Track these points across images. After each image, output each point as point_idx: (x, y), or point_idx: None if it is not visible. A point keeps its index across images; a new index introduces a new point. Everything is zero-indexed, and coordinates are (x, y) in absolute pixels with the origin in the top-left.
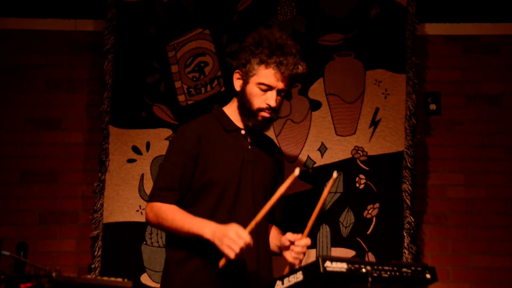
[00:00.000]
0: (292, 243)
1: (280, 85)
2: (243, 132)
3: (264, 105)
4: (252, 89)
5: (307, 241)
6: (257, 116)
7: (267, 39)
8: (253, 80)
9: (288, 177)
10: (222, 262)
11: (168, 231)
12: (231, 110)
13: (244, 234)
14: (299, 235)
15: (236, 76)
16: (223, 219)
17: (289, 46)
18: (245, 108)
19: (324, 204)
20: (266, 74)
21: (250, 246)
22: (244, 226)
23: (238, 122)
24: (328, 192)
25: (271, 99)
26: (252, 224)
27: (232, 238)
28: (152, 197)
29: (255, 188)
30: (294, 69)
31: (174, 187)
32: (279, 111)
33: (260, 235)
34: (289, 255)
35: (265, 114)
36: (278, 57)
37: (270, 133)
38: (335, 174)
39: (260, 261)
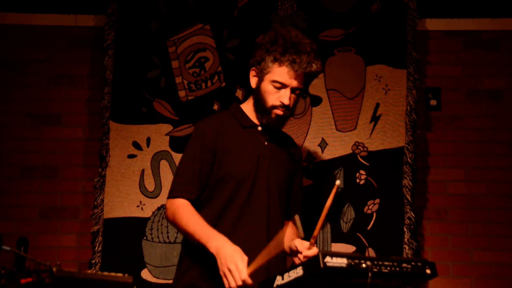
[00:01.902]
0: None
1: (294, 83)
2: (259, 128)
3: (277, 103)
4: (267, 86)
5: (314, 252)
6: (270, 114)
7: (282, 37)
8: (267, 78)
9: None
10: None
11: (181, 232)
12: (248, 107)
13: (244, 272)
14: (307, 244)
15: (252, 73)
16: (237, 214)
17: (304, 44)
18: (260, 106)
19: (328, 213)
20: (280, 72)
21: (248, 284)
22: (259, 221)
23: (255, 119)
24: (331, 202)
25: (284, 97)
26: (255, 265)
27: (232, 271)
28: (172, 192)
29: (271, 183)
30: (308, 67)
31: (194, 182)
32: (294, 109)
33: (272, 231)
34: (298, 261)
35: (279, 111)
36: (292, 55)
37: None
38: (338, 182)
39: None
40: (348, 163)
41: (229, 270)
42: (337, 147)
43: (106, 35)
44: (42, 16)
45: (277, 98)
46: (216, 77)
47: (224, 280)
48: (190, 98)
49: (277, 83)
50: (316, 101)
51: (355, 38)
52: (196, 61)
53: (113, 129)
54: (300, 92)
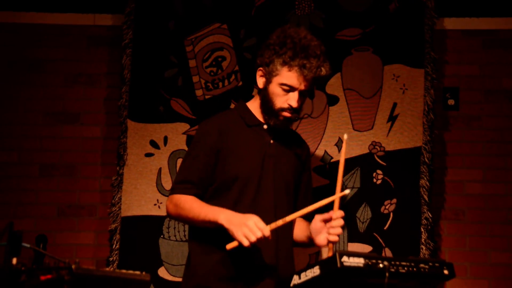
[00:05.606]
0: (327, 221)
1: (303, 86)
2: (265, 126)
3: (285, 105)
4: (275, 88)
5: (341, 213)
6: (278, 116)
7: (292, 39)
8: (275, 80)
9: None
10: (231, 245)
11: (186, 221)
12: (254, 106)
13: (264, 227)
14: (331, 212)
15: (259, 73)
16: (245, 214)
17: (313, 47)
18: (267, 107)
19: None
20: (289, 76)
21: (268, 238)
22: (265, 220)
23: (261, 118)
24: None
25: (293, 99)
26: (278, 223)
27: (251, 227)
28: (173, 190)
29: (277, 182)
30: (318, 72)
31: (194, 181)
32: (301, 111)
33: (280, 231)
34: (324, 238)
35: (287, 114)
36: (302, 60)
37: None
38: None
39: (280, 256)
40: (365, 162)
41: (247, 227)
42: (354, 146)
43: (124, 34)
44: (60, 15)
45: (285, 100)
46: (233, 76)
47: (243, 239)
48: (207, 97)
49: (285, 86)
50: (333, 100)
51: (372, 38)
52: (213, 60)
53: (131, 128)
54: (307, 94)
